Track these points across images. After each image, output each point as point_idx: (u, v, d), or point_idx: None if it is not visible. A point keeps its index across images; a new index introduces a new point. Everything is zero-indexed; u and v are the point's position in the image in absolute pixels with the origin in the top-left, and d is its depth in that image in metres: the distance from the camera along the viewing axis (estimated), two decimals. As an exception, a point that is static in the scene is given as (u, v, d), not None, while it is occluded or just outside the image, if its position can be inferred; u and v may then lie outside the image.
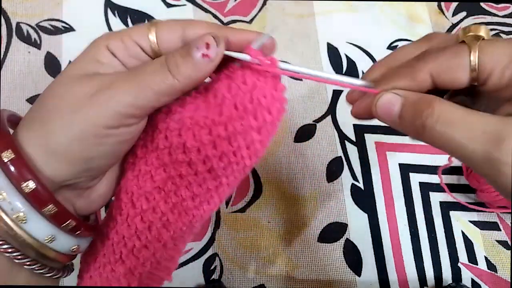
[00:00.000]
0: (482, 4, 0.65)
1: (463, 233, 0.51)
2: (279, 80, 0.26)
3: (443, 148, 0.23)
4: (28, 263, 0.25)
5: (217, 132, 0.25)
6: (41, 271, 0.25)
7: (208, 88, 0.26)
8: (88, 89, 0.24)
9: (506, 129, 0.21)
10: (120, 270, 0.28)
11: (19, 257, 0.24)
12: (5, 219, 0.24)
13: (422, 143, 0.30)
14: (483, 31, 0.24)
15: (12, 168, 0.23)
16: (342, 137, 0.54)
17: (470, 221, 0.52)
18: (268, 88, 0.25)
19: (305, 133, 0.54)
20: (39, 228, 0.25)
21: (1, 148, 0.24)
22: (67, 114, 0.24)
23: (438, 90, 0.25)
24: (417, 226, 0.51)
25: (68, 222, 0.26)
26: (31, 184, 0.23)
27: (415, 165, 0.54)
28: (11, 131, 0.26)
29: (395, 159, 0.54)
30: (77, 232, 0.27)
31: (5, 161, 0.23)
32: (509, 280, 0.49)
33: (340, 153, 0.53)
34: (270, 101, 0.25)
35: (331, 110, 0.55)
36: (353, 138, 0.54)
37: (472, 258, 0.50)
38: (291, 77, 0.35)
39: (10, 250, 0.24)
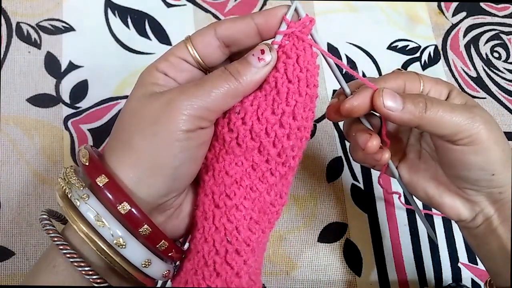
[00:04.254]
0: (482, 4, 0.65)
1: (463, 233, 0.51)
2: (312, 45, 0.28)
3: (440, 122, 0.30)
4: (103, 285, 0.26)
5: (281, 109, 0.27)
6: None
7: None
8: (160, 103, 0.26)
9: (469, 102, 0.32)
10: (217, 284, 0.27)
11: (98, 281, 0.25)
12: (103, 246, 0.25)
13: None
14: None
15: (107, 192, 0.24)
16: (342, 137, 0.54)
17: (470, 221, 0.52)
18: (308, 55, 0.28)
19: (305, 133, 0.54)
20: (137, 252, 0.26)
21: (94, 174, 0.25)
22: (147, 127, 0.25)
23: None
24: (417, 226, 0.51)
25: (161, 243, 0.27)
26: (126, 206, 0.24)
27: (415, 165, 0.54)
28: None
29: (395, 159, 0.54)
30: (170, 254, 0.28)
31: (100, 185, 0.24)
32: (509, 280, 0.49)
33: (340, 153, 0.53)
34: (313, 66, 0.28)
35: (331, 110, 0.55)
36: (353, 138, 0.54)
37: (472, 258, 0.50)
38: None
39: (93, 277, 0.25)
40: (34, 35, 0.53)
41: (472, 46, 0.62)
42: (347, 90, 0.32)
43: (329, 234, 0.50)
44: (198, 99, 0.25)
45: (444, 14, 0.64)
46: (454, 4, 0.65)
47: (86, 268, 0.25)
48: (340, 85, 0.32)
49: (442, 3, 0.65)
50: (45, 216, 0.27)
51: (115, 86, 0.52)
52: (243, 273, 0.28)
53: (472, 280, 0.49)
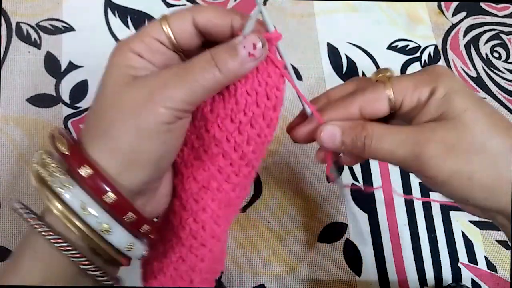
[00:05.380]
0: (482, 4, 0.65)
1: (463, 233, 0.51)
2: (276, 56, 0.28)
3: (383, 159, 0.29)
4: (92, 269, 0.26)
5: (238, 119, 0.28)
6: (102, 278, 0.27)
7: None
8: (141, 93, 0.25)
9: (420, 131, 0.28)
10: (182, 268, 0.30)
11: (85, 262, 0.26)
12: (87, 232, 0.25)
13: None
14: (389, 72, 0.31)
15: (92, 183, 0.25)
16: (342, 137, 0.54)
17: (470, 221, 0.52)
18: (270, 68, 0.28)
19: (305, 133, 0.54)
20: (121, 237, 0.26)
21: (76, 164, 0.25)
22: (128, 118, 0.25)
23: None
24: (417, 226, 0.51)
25: (144, 226, 0.27)
26: (111, 196, 0.25)
27: (415, 165, 0.54)
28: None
29: (395, 159, 0.54)
30: (150, 235, 0.28)
31: (85, 176, 0.24)
32: (509, 280, 0.49)
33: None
34: (276, 79, 0.28)
35: (331, 110, 0.55)
36: (353, 138, 0.54)
37: (472, 258, 0.50)
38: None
39: (81, 259, 0.25)
40: (34, 35, 0.53)
41: (472, 46, 0.62)
42: (308, 110, 0.32)
43: (329, 234, 0.50)
44: (181, 94, 0.25)
45: (444, 14, 0.64)
46: (454, 4, 0.65)
47: (73, 252, 0.25)
48: (302, 104, 0.32)
49: (442, 3, 0.65)
50: (19, 206, 0.26)
51: (115, 86, 0.52)
52: (207, 259, 0.31)
53: (472, 280, 0.49)
